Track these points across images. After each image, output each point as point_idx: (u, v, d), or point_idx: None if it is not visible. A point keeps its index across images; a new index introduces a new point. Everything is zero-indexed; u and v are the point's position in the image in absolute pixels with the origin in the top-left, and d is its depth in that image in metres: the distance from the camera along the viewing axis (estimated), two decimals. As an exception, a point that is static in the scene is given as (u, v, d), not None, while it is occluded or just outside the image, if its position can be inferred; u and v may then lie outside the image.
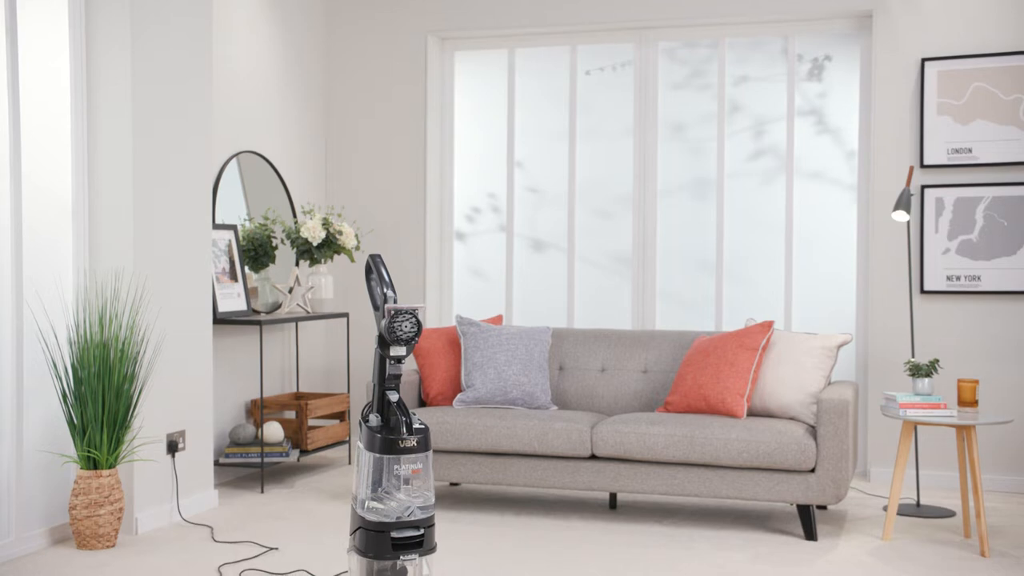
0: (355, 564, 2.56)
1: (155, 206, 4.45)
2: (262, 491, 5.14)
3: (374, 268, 2.67)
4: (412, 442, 2.53)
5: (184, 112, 4.63)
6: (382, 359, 2.58)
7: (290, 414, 5.64)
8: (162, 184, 4.50)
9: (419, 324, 2.55)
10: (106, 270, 4.30)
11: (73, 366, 4.07)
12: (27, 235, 4.07)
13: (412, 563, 2.53)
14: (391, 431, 2.54)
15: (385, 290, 2.63)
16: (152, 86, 4.43)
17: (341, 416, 5.77)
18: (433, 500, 2.60)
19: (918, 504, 4.82)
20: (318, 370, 6.18)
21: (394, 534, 2.51)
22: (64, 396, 4.07)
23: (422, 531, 2.54)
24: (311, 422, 5.71)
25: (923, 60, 5.32)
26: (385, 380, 2.58)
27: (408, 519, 2.53)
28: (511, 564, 3.89)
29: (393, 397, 2.58)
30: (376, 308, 2.62)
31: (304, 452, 5.39)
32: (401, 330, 2.54)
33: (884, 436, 5.38)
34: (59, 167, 4.26)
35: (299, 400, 5.58)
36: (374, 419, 2.57)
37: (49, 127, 4.22)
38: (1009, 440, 5.23)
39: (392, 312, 2.54)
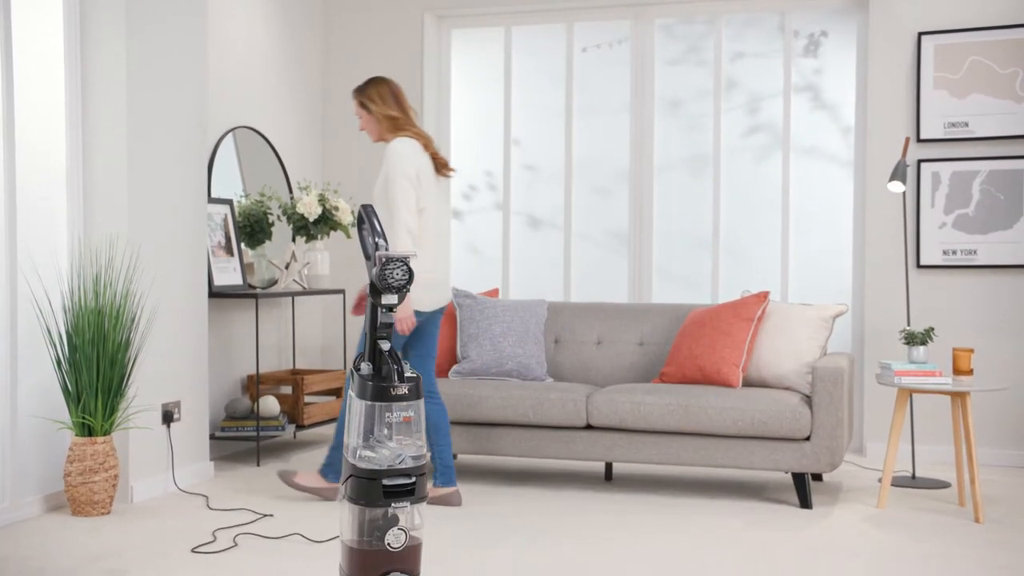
0: (347, 513, 2.56)
1: (150, 172, 4.45)
2: (258, 464, 5.14)
3: (366, 219, 2.67)
4: (403, 390, 2.53)
5: (179, 82, 4.62)
6: (374, 307, 2.58)
7: (286, 389, 5.64)
8: (157, 151, 4.49)
9: (410, 272, 2.55)
10: (100, 236, 4.29)
11: (68, 333, 4.07)
12: (21, 200, 4.07)
13: (403, 511, 2.53)
14: (383, 379, 2.54)
15: (377, 239, 2.63)
16: (146, 55, 4.43)
17: (338, 392, 5.77)
18: (425, 450, 2.60)
19: (913, 476, 4.82)
20: (314, 347, 6.18)
21: (385, 482, 2.51)
22: (58, 363, 4.07)
23: (414, 479, 2.54)
24: (307, 398, 5.71)
25: (919, 34, 5.32)
26: (377, 329, 2.58)
27: (399, 467, 2.53)
28: (506, 530, 3.90)
29: (385, 346, 2.58)
30: (368, 257, 2.62)
31: (300, 427, 5.39)
32: (392, 277, 2.53)
33: (879, 411, 5.37)
34: (53, 131, 4.25)
35: (295, 376, 5.58)
36: (365, 367, 2.57)
37: (42, 91, 4.21)
38: (1004, 415, 5.23)
39: (383, 260, 2.54)
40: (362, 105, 4.25)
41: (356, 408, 2.56)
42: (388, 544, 2.53)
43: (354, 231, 5.91)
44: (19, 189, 4.06)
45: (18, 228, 4.05)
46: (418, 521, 2.58)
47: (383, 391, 2.53)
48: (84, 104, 4.33)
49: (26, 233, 4.09)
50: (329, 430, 6.04)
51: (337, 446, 4.22)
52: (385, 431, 2.55)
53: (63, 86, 4.28)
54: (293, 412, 5.40)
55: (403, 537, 2.54)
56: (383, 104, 4.22)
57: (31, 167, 4.14)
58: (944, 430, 5.26)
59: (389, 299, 2.57)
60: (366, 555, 2.54)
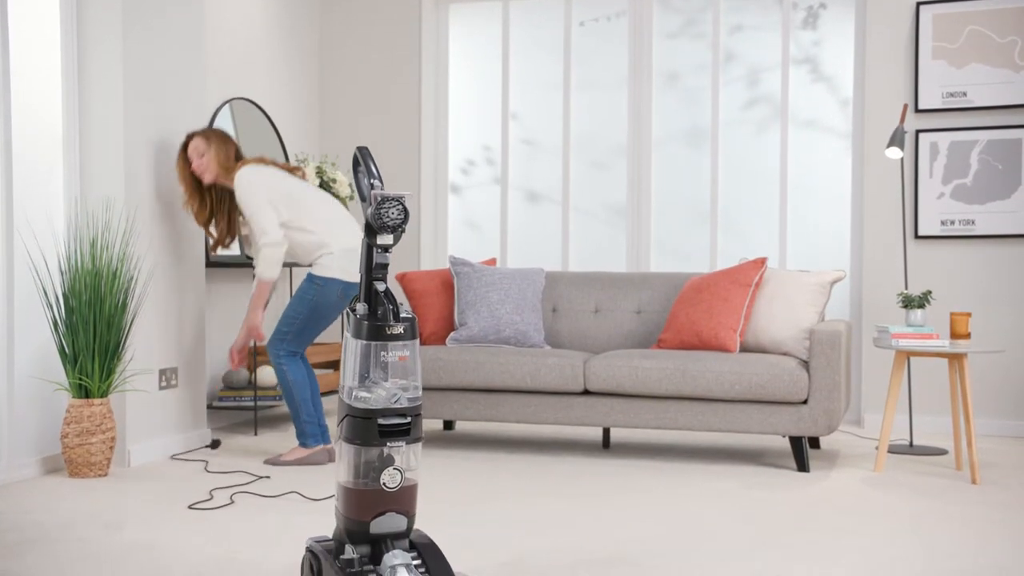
0: (343, 454, 2.55)
1: (146, 136, 4.44)
2: (255, 434, 5.13)
3: (362, 161, 2.66)
4: (399, 329, 2.52)
5: (176, 48, 4.62)
6: (369, 248, 2.57)
7: (284, 362, 5.63)
8: (153, 115, 4.49)
9: (406, 211, 2.53)
10: (97, 199, 4.29)
11: (64, 295, 4.06)
12: (17, 162, 4.06)
13: (399, 451, 2.52)
14: (378, 319, 2.53)
15: (372, 180, 2.61)
16: (143, 20, 4.42)
17: (336, 364, 5.77)
18: (420, 392, 2.59)
19: (911, 444, 4.82)
20: (312, 321, 6.17)
21: (381, 421, 2.50)
22: (55, 324, 4.06)
23: (409, 419, 2.53)
24: (305, 371, 5.70)
25: (918, 4, 5.31)
26: (372, 270, 2.57)
27: (395, 407, 2.52)
28: (506, 490, 3.89)
29: (380, 287, 2.56)
30: (363, 199, 2.61)
31: (298, 398, 5.38)
32: (388, 216, 2.52)
33: (876, 383, 5.37)
34: (49, 94, 4.24)
35: (293, 347, 5.57)
36: (361, 308, 2.56)
37: (39, 54, 4.21)
38: (1002, 385, 5.22)
39: (379, 199, 2.53)
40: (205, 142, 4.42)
41: (352, 348, 2.55)
42: (384, 484, 2.52)
43: (352, 203, 5.91)
44: (15, 151, 4.05)
45: (14, 189, 4.04)
46: (414, 462, 2.58)
47: (379, 330, 2.52)
48: (80, 66, 4.32)
49: (22, 194, 4.08)
50: (327, 404, 6.04)
51: (296, 416, 4.36)
52: (380, 373, 2.54)
53: (59, 49, 4.27)
54: (291, 383, 5.40)
55: (399, 477, 2.53)
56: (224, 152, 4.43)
57: (27, 129, 4.13)
58: (941, 401, 5.25)
59: (384, 239, 2.56)
60: (362, 495, 2.52)
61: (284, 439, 5.00)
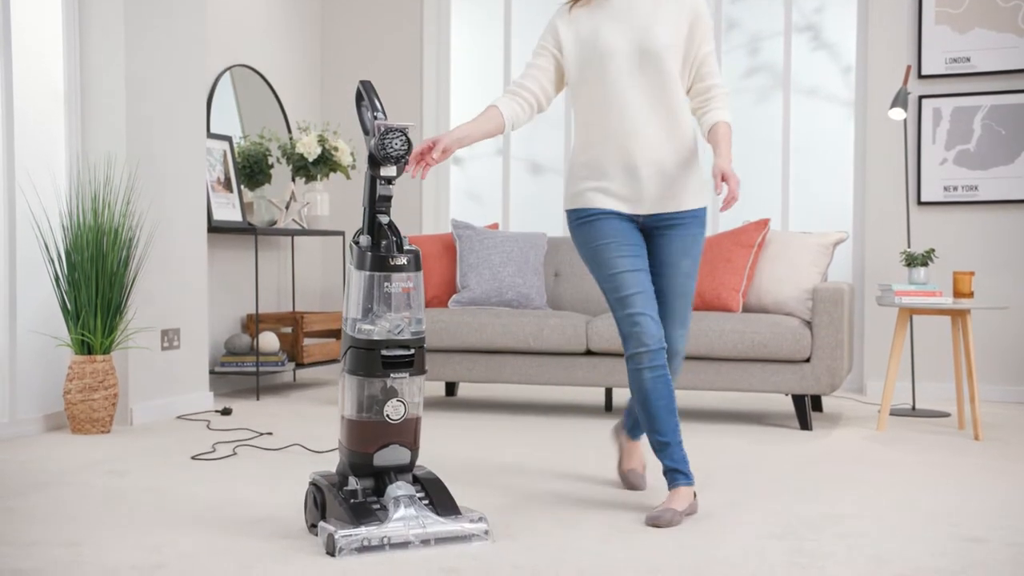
0: (346, 386, 2.54)
1: (147, 94, 4.42)
2: (257, 399, 5.13)
3: (365, 95, 2.65)
4: (402, 260, 2.52)
5: (178, 8, 4.60)
6: (373, 180, 2.56)
7: (286, 330, 5.63)
8: (155, 73, 4.47)
9: (409, 143, 2.53)
10: (98, 154, 4.27)
11: (67, 251, 4.05)
12: (19, 117, 4.05)
13: (402, 382, 2.52)
14: (381, 250, 2.52)
15: (375, 113, 2.61)
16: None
17: (337, 334, 5.76)
18: (424, 326, 2.59)
19: (913, 408, 4.82)
20: (314, 291, 6.18)
21: (384, 352, 2.50)
22: (57, 280, 4.05)
23: (412, 351, 2.53)
24: (307, 340, 5.70)
25: (920, -31, 5.30)
26: (376, 202, 2.56)
27: (398, 338, 2.52)
28: (509, 447, 3.89)
29: (384, 220, 2.56)
30: (367, 133, 2.60)
31: (300, 365, 5.38)
32: (392, 147, 2.51)
33: (879, 349, 5.36)
34: (50, 48, 4.23)
35: (295, 314, 5.57)
36: (364, 240, 2.56)
37: (39, 11, 4.20)
38: (1004, 350, 5.21)
39: (382, 129, 2.52)
40: None
41: (355, 281, 2.54)
42: (387, 416, 2.52)
43: (354, 172, 5.89)
44: (17, 108, 4.04)
45: (16, 146, 4.03)
46: (418, 400, 2.57)
47: (382, 261, 2.52)
48: (81, 24, 4.29)
49: (24, 150, 4.08)
50: (328, 374, 6.04)
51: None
52: (383, 308, 2.53)
53: (60, 5, 4.25)
54: (293, 351, 5.40)
55: (402, 409, 2.53)
56: None
57: (29, 84, 4.12)
58: (944, 369, 5.23)
59: (388, 171, 2.55)
60: (365, 427, 2.52)
61: (286, 403, 4.99)
